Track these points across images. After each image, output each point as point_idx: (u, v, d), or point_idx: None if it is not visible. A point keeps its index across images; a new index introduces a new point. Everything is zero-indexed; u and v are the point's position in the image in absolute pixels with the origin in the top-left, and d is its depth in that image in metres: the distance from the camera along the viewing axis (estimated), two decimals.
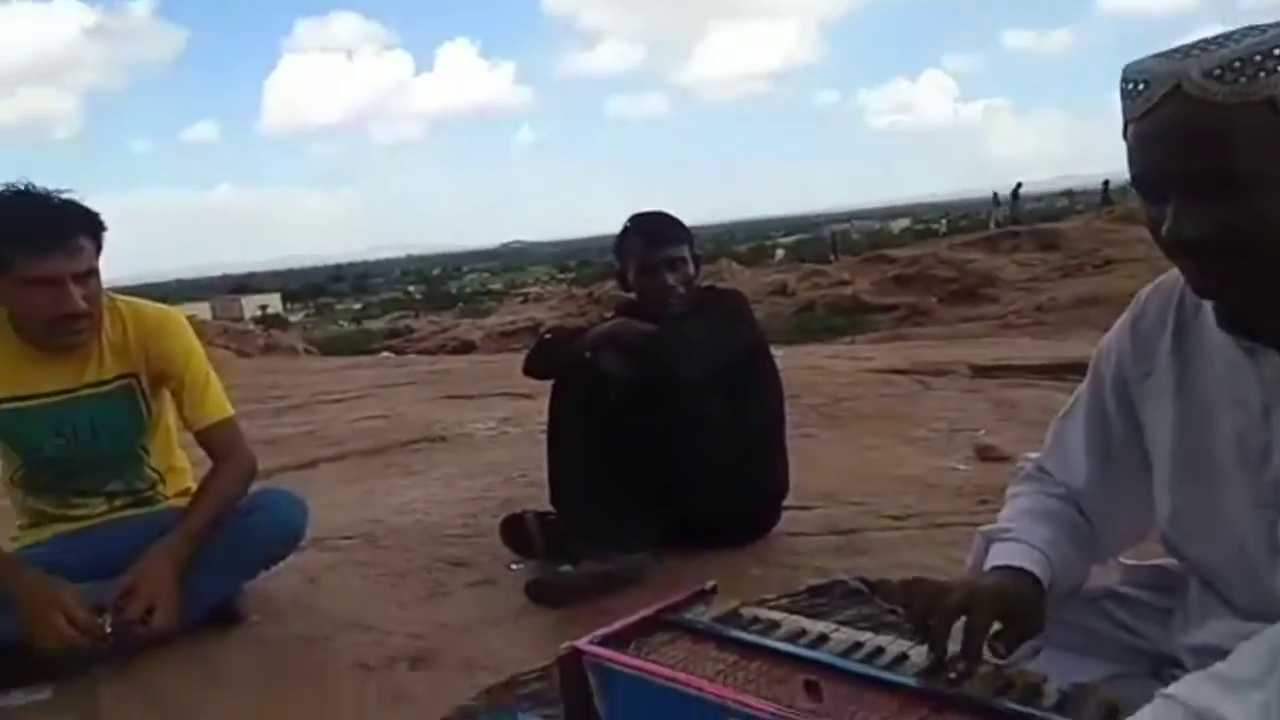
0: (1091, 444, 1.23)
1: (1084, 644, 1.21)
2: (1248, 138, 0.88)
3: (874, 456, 3.30)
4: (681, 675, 1.09)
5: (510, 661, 1.75)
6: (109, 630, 1.80)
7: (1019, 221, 24.77)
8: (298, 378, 7.50)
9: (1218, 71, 0.88)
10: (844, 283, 22.00)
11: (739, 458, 2.26)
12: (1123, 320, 1.20)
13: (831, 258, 28.28)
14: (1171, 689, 0.83)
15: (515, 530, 2.38)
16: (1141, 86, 0.93)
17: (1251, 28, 0.91)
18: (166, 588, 1.86)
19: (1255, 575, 1.04)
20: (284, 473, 3.49)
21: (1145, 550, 1.29)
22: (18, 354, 1.93)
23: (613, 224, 2.50)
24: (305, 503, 2.19)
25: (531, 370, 2.40)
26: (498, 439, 4.05)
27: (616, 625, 1.25)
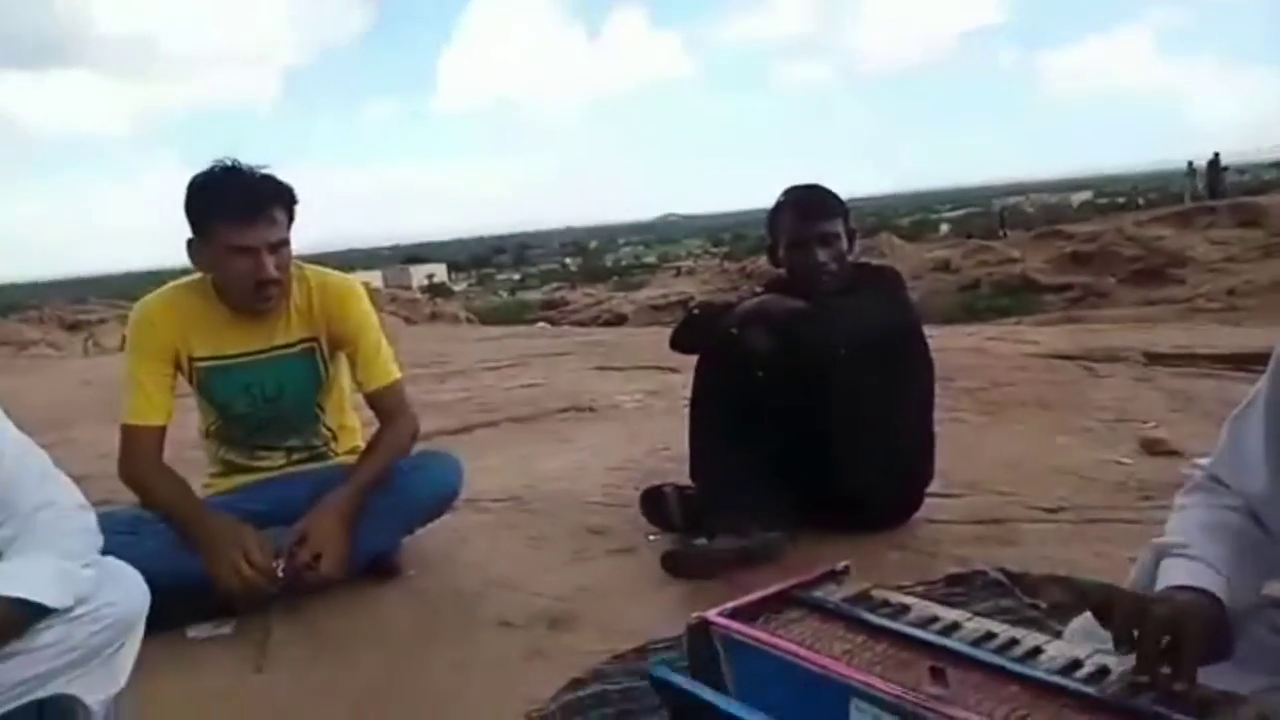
0: (1272, 444, 1.14)
1: (1243, 653, 1.13)
2: None
3: (1028, 445, 3.16)
4: (807, 652, 1.11)
5: (643, 628, 1.81)
6: (281, 573, 1.97)
7: (1218, 195, 22.70)
8: (459, 345, 7.85)
9: None
10: (1013, 260, 20.89)
11: (884, 440, 2.22)
12: None
13: (1000, 233, 26.89)
14: None
15: (654, 502, 2.43)
16: None
17: None
18: (334, 537, 2.02)
19: None
20: (442, 436, 3.69)
21: None
22: (219, 317, 2.13)
23: (770, 197, 2.45)
24: (461, 465, 2.31)
25: (678, 345, 2.43)
26: (643, 411, 4.13)
27: (746, 599, 1.28)
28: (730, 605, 1.25)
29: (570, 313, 24.66)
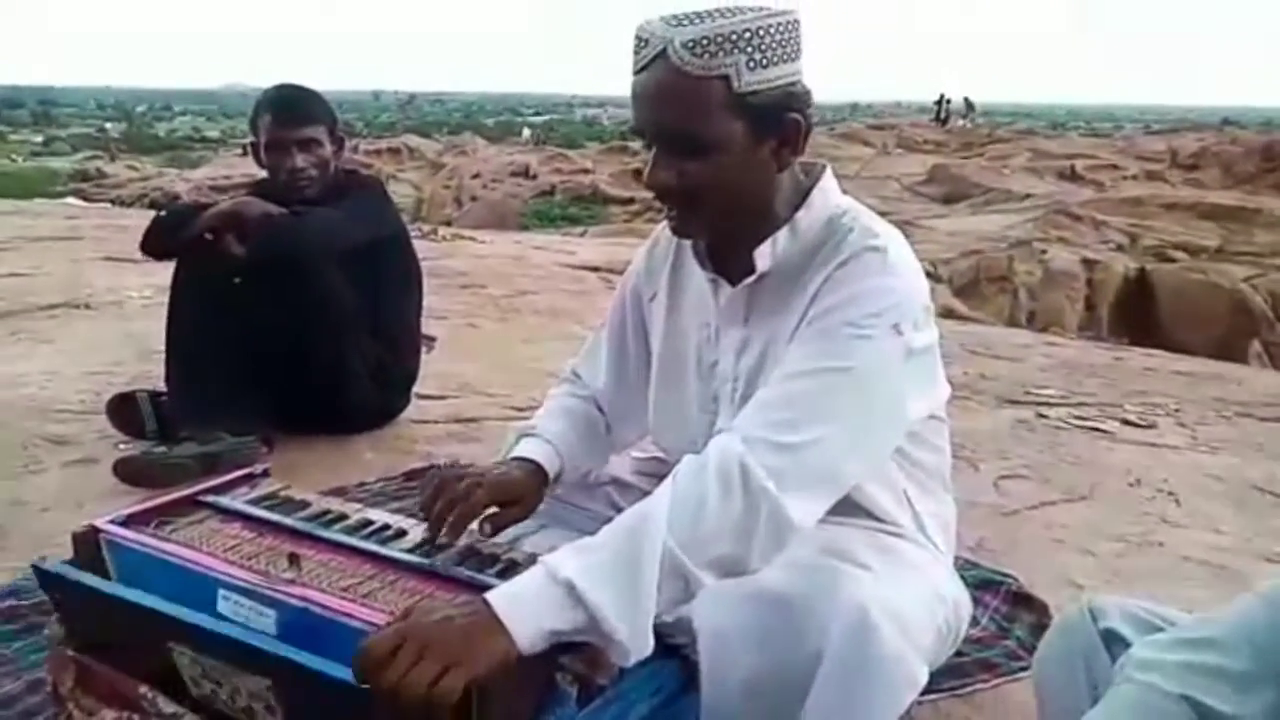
0: (611, 352, 1.46)
1: (581, 522, 1.44)
2: (707, 106, 1.07)
3: (528, 351, 3.51)
4: (177, 549, 1.19)
5: None
6: None
7: None
8: None
9: (691, 44, 1.05)
10: (586, 171, 22.13)
11: (359, 348, 2.33)
12: (644, 246, 1.42)
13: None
14: (545, 556, 1.04)
15: (124, 409, 2.33)
16: (642, 44, 1.09)
17: (730, 9, 1.07)
18: None
19: None
20: None
21: None
22: None
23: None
24: None
25: (148, 248, 2.31)
26: (151, 309, 3.83)
27: (145, 505, 1.32)
28: (126, 511, 1.29)
29: (110, 188, 21.37)
